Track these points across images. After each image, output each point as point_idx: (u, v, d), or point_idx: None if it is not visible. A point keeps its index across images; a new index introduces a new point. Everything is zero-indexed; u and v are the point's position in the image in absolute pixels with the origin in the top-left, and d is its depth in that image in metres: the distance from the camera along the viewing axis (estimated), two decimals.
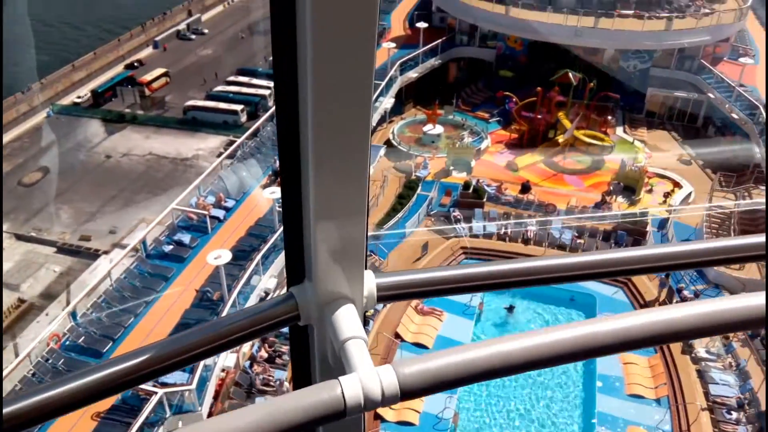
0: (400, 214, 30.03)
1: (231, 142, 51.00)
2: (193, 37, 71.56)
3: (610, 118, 36.91)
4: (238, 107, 54.54)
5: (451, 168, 33.69)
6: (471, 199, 30.80)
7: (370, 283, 1.48)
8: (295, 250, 1.49)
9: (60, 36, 73.84)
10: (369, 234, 1.44)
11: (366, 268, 1.47)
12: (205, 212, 27.35)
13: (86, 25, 77.52)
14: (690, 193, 32.90)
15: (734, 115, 36.54)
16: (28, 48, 64.66)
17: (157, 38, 70.83)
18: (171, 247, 25.93)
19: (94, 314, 22.54)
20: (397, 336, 24.39)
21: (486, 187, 31.79)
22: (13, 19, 68.30)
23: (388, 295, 1.52)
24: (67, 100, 59.92)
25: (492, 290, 1.65)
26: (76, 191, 47.45)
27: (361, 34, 1.13)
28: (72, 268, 39.75)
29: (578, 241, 28.90)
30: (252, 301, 24.05)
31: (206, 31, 73.02)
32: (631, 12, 38.25)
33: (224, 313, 22.31)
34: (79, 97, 59.48)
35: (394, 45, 39.69)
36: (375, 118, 36.80)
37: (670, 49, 38.79)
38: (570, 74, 35.32)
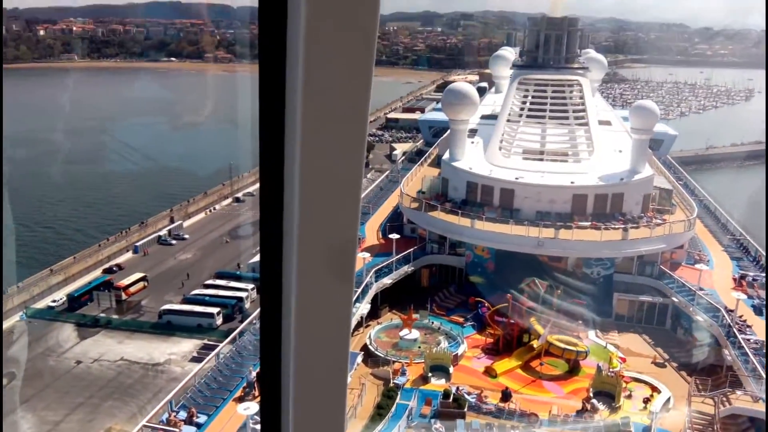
0: (380, 426, 29.23)
1: (205, 346, 50.60)
2: (174, 242, 73.83)
3: (580, 322, 37.97)
4: (214, 310, 54.84)
5: (430, 375, 33.58)
6: (452, 408, 30.33)
7: None
8: None
9: (41, 239, 75.63)
10: None
11: None
12: (176, 430, 26.37)
13: (68, 230, 79.88)
14: (669, 398, 32.90)
15: (699, 318, 37.93)
16: (8, 251, 65.84)
17: (138, 243, 72.84)
18: None
19: None
20: None
21: (466, 396, 31.50)
22: None
23: None
24: (42, 304, 59.74)
25: None
26: (41, 398, 45.62)
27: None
28: None
29: None
30: None
31: (187, 236, 75.60)
32: (588, 223, 41.27)
33: None
34: (54, 301, 59.40)
35: (368, 254, 41.63)
36: (351, 323, 37.23)
37: (630, 256, 41.25)
38: (537, 282, 37.05)
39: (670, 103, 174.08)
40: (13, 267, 62.86)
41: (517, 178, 43.27)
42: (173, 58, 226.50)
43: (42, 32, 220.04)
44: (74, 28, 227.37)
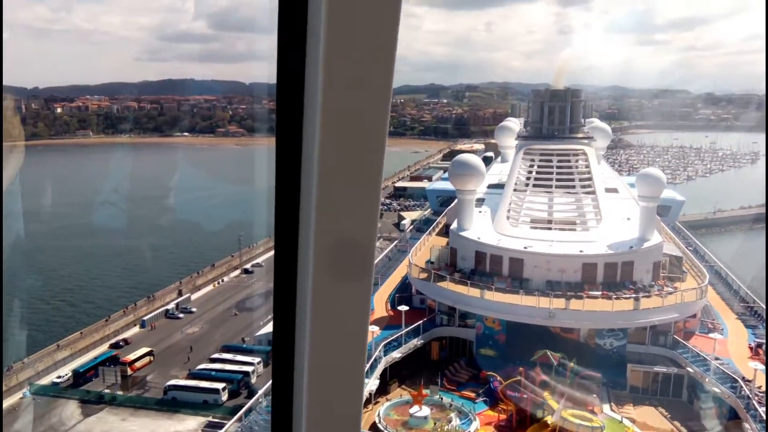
0: None
1: (210, 423, 49.50)
2: (181, 315, 73.48)
3: (594, 396, 36.91)
4: (220, 386, 53.86)
5: None
6: None
7: None
8: None
9: (50, 313, 75.53)
10: None
11: None
12: None
13: (77, 303, 79.83)
14: None
15: (716, 389, 36.79)
16: (21, 325, 65.98)
17: (145, 317, 72.56)
18: None
19: None
20: None
21: None
22: (11, 296, 70.84)
23: None
24: (47, 380, 59.02)
25: None
26: None
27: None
28: None
29: None
30: None
31: (194, 309, 75.26)
32: (598, 293, 40.79)
33: None
34: (59, 377, 58.64)
35: (377, 328, 41.10)
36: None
37: (642, 326, 40.49)
38: (549, 354, 36.29)
39: (676, 167, 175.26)
40: (22, 342, 62.64)
41: (525, 248, 43.13)
42: (186, 133, 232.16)
43: (59, 110, 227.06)
44: (90, 105, 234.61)
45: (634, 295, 40.84)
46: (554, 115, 52.82)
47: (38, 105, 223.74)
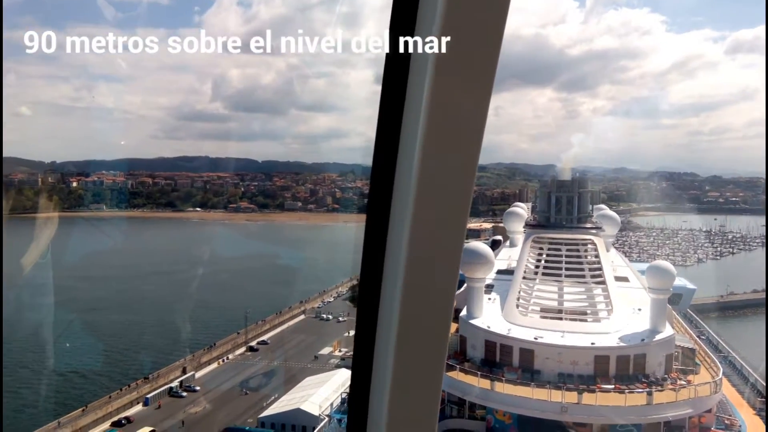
0: None
1: None
2: (185, 394, 72.67)
3: None
4: None
5: None
6: None
7: None
8: None
9: (67, 384, 74.87)
10: None
11: None
12: None
13: (81, 379, 78.97)
14: None
15: None
16: (18, 400, 65.20)
17: (149, 395, 71.77)
18: None
19: None
20: None
21: None
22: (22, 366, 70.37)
23: None
24: None
25: None
26: None
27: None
28: None
29: None
30: None
31: (198, 388, 74.46)
32: (611, 386, 40.09)
33: None
34: None
35: None
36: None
37: (656, 422, 39.54)
38: None
39: (686, 249, 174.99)
40: (22, 418, 61.74)
41: (536, 338, 42.75)
42: (198, 209, 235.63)
43: (75, 184, 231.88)
44: (105, 180, 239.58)
45: (647, 389, 40.08)
46: (561, 204, 53.55)
47: (54, 179, 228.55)
